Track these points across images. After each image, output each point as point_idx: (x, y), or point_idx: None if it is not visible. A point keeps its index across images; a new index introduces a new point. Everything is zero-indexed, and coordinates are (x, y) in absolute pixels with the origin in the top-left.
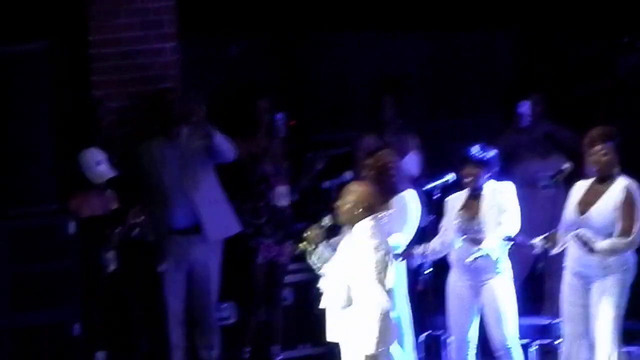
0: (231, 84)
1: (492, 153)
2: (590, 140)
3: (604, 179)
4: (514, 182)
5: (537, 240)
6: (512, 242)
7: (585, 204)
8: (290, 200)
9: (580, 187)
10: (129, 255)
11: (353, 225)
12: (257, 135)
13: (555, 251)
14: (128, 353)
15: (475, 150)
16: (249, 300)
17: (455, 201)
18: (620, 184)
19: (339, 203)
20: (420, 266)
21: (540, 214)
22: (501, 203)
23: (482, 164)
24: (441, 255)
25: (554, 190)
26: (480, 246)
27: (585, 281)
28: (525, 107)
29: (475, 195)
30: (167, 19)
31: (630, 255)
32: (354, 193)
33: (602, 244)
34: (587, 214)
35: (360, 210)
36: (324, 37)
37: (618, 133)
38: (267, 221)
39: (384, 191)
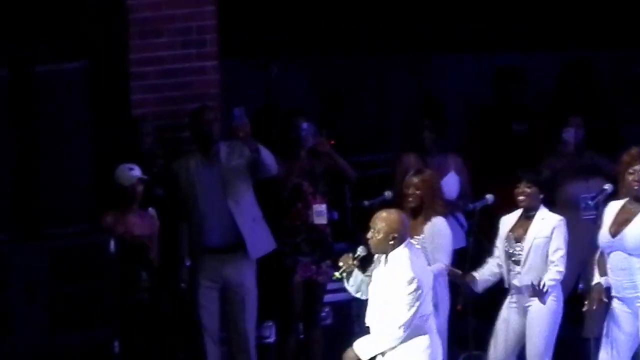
0: (271, 104)
1: (546, 174)
2: (630, 159)
3: (638, 200)
4: (557, 204)
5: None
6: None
7: (618, 224)
8: (329, 219)
9: (613, 208)
10: (164, 275)
11: (386, 254)
12: (295, 155)
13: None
14: None
15: (530, 169)
16: (288, 319)
17: (508, 222)
18: None
19: (370, 233)
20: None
21: (583, 236)
22: (553, 239)
23: (537, 183)
24: (499, 277)
25: (596, 213)
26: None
27: (632, 305)
28: (570, 134)
29: (527, 217)
30: (209, 38)
31: None
32: (384, 221)
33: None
34: (620, 235)
35: (393, 239)
36: (365, 59)
37: None
38: (305, 239)
39: (425, 211)
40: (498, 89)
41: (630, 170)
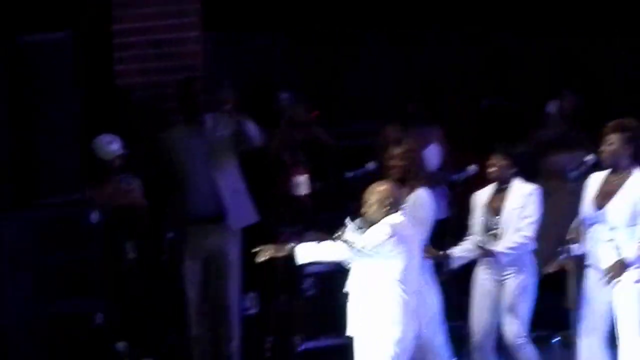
0: (253, 76)
1: (520, 147)
2: (604, 132)
3: (617, 171)
4: (542, 175)
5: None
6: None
7: (602, 197)
8: (310, 190)
9: (595, 180)
10: (149, 245)
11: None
12: (278, 127)
13: (578, 251)
14: (148, 343)
15: (503, 142)
16: (270, 290)
17: (481, 197)
18: (638, 179)
19: (364, 208)
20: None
21: (567, 205)
22: (525, 207)
23: (508, 156)
24: (474, 254)
25: (579, 184)
26: (497, 248)
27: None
28: (553, 106)
29: (500, 191)
30: (191, 9)
31: None
32: (377, 193)
33: (632, 255)
34: (604, 209)
35: (388, 207)
36: (350, 32)
37: (635, 126)
38: (286, 211)
39: (409, 182)
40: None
41: (602, 142)
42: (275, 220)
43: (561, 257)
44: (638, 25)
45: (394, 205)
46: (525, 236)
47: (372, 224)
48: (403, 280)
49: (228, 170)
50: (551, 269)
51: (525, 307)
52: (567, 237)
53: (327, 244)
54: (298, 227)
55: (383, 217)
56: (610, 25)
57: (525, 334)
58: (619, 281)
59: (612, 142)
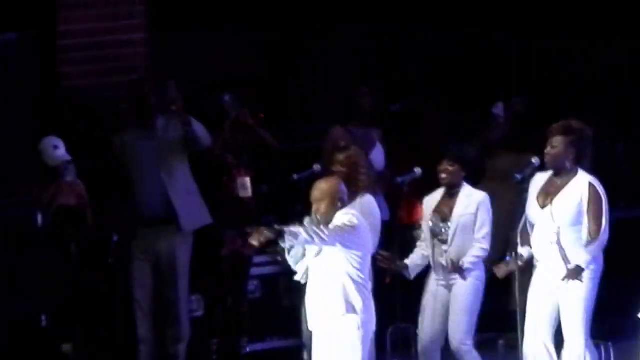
0: (197, 78)
1: (469, 151)
2: (548, 134)
3: (560, 173)
4: (487, 177)
5: (523, 249)
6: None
7: (545, 197)
8: (254, 192)
9: (540, 181)
10: (94, 246)
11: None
12: (222, 128)
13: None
14: (94, 345)
15: (454, 147)
16: (216, 292)
17: (431, 201)
18: (582, 181)
19: (315, 206)
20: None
21: (513, 207)
22: (478, 217)
23: (459, 160)
24: (428, 260)
25: (524, 186)
26: (464, 264)
27: (554, 279)
28: (499, 108)
29: (450, 195)
30: (137, 11)
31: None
32: (326, 190)
33: (583, 259)
34: (547, 208)
35: (339, 203)
36: (298, 31)
37: (578, 129)
38: (231, 213)
39: (353, 189)
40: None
41: (548, 143)
42: (220, 222)
43: (509, 259)
44: (588, 24)
45: (343, 201)
46: (484, 249)
47: (325, 221)
48: (362, 270)
49: (179, 172)
50: (502, 273)
51: (474, 311)
52: (515, 240)
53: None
54: (242, 229)
55: (335, 213)
56: (561, 25)
57: (470, 341)
58: (564, 283)
59: (556, 144)
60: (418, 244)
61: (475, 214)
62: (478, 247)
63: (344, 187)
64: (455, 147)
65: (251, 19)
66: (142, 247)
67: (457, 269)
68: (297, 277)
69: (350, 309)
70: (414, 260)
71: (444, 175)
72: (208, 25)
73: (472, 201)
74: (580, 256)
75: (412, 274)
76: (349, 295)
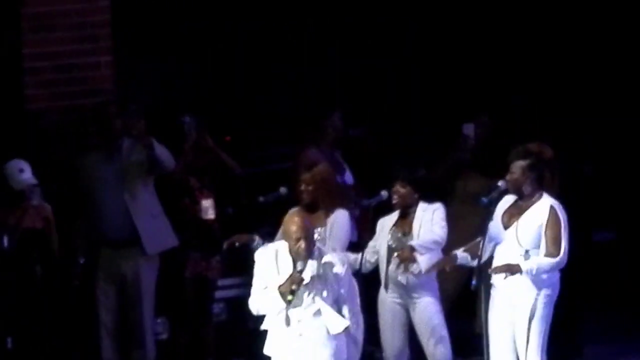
0: (160, 100)
1: (422, 173)
2: (508, 159)
3: (523, 198)
4: (455, 198)
5: (459, 251)
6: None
7: (510, 217)
8: (216, 215)
9: (506, 202)
10: (59, 269)
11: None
12: (183, 150)
13: (482, 261)
14: None
15: (405, 169)
16: (180, 315)
17: (386, 222)
18: (545, 204)
19: (294, 243)
20: None
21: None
22: (431, 219)
23: (411, 182)
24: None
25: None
26: (416, 267)
27: (511, 298)
28: (469, 129)
29: (406, 215)
30: (103, 33)
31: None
32: (302, 229)
33: (529, 264)
34: (511, 228)
35: (314, 240)
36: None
37: (536, 152)
38: (193, 235)
39: (322, 206)
40: None
41: (509, 168)
42: (183, 244)
43: (475, 284)
44: (556, 46)
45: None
46: (439, 235)
47: (304, 259)
48: None
49: (143, 195)
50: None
51: (443, 327)
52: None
53: None
54: (206, 252)
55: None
56: (527, 46)
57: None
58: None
59: (514, 170)
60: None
61: (432, 218)
62: (434, 233)
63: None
64: (406, 168)
65: (215, 41)
66: (106, 269)
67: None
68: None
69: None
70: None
71: (396, 197)
72: (171, 49)
73: (428, 212)
74: (529, 262)
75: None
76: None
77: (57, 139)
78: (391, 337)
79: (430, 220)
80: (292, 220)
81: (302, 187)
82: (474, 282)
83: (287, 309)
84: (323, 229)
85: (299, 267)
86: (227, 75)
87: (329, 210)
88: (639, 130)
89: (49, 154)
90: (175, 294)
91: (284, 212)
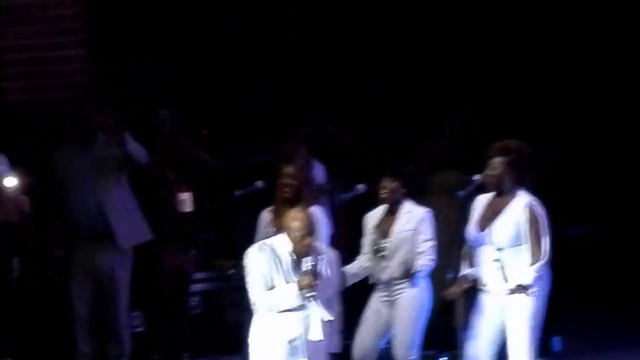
0: (136, 95)
1: (410, 168)
2: (487, 155)
3: (501, 194)
4: (433, 190)
5: (469, 269)
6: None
7: (486, 219)
8: (194, 208)
9: (481, 202)
10: (36, 262)
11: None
12: (158, 143)
13: (465, 270)
14: None
15: (393, 164)
16: (156, 308)
17: (372, 218)
18: (521, 201)
19: (300, 239)
20: None
21: (457, 222)
22: (420, 232)
23: (399, 177)
24: (369, 271)
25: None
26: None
27: (501, 300)
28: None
29: (391, 211)
30: (79, 27)
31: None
32: (306, 221)
33: (528, 277)
34: (487, 230)
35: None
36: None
37: (517, 148)
38: (171, 228)
39: (300, 201)
40: None
41: (487, 165)
42: (159, 237)
43: (451, 277)
44: (540, 42)
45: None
46: (432, 259)
47: (304, 255)
48: None
49: (116, 189)
50: (451, 295)
51: (418, 324)
52: (457, 256)
53: None
54: (182, 245)
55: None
56: (513, 42)
57: (414, 356)
58: (509, 303)
59: (495, 166)
60: (360, 256)
61: (416, 230)
62: (426, 258)
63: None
64: (393, 163)
65: (195, 35)
66: (81, 262)
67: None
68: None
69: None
70: (352, 269)
71: (383, 193)
72: (147, 43)
73: (412, 218)
74: (524, 275)
75: (349, 282)
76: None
77: (33, 132)
78: (363, 334)
79: (412, 230)
80: (295, 216)
81: (286, 180)
82: (449, 275)
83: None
84: None
85: (310, 263)
86: (207, 69)
87: (305, 207)
88: (621, 125)
89: (25, 146)
90: (152, 287)
91: (260, 206)
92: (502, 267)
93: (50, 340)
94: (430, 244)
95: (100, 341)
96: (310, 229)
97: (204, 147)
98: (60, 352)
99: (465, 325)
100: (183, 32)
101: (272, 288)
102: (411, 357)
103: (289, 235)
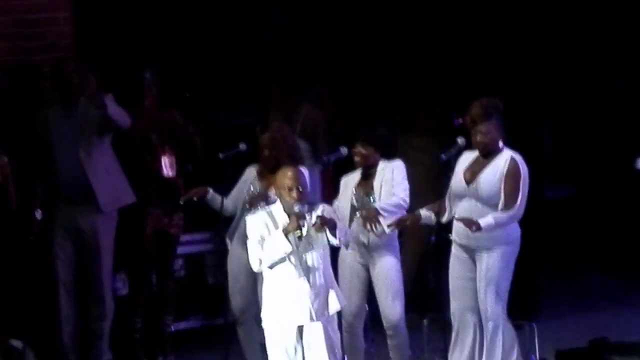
0: (120, 54)
1: (382, 132)
2: (471, 119)
3: (493, 153)
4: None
5: (423, 210)
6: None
7: (471, 173)
8: (179, 171)
9: (466, 158)
10: (19, 224)
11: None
12: (143, 106)
13: (445, 219)
14: (17, 324)
15: (366, 129)
16: (140, 271)
17: (349, 181)
18: (505, 156)
19: (297, 194)
20: None
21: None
22: (392, 178)
23: (372, 143)
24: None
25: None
26: (380, 228)
27: (471, 254)
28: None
29: (367, 175)
30: None
31: (513, 228)
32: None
33: (486, 220)
34: (473, 184)
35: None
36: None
37: (496, 107)
38: (155, 192)
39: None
40: None
41: (473, 131)
42: (144, 201)
43: (433, 239)
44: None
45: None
46: (405, 200)
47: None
48: None
49: (98, 152)
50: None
51: (400, 286)
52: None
53: None
54: (166, 208)
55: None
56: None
57: (404, 321)
58: (479, 258)
59: (487, 131)
60: None
61: (392, 177)
62: (398, 197)
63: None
64: (366, 128)
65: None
66: (64, 225)
67: (374, 215)
68: (258, 267)
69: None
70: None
71: (357, 158)
72: (132, 4)
73: (386, 170)
74: (486, 218)
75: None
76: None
77: (15, 93)
78: (349, 295)
79: (390, 180)
80: (285, 173)
81: (262, 151)
82: (432, 238)
83: (297, 247)
84: None
85: (298, 207)
86: (193, 31)
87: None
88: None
89: (7, 108)
90: (136, 249)
91: (243, 168)
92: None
93: (33, 303)
94: (404, 186)
95: (83, 303)
96: (298, 182)
97: (186, 110)
98: (43, 315)
99: (443, 286)
100: None
101: None
102: (402, 323)
103: (280, 192)
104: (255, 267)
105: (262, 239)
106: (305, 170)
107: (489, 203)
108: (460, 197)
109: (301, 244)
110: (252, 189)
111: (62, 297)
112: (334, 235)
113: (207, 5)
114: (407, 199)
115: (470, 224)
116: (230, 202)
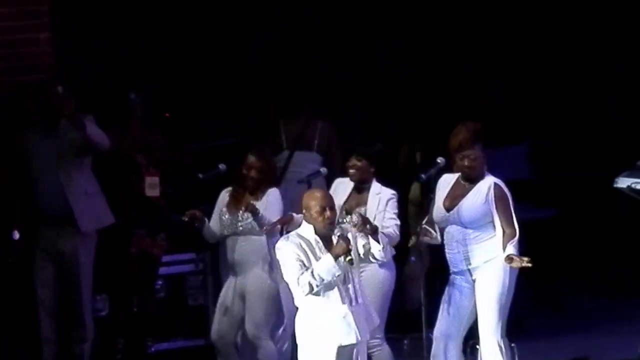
0: (104, 77)
1: (378, 147)
2: (458, 144)
3: (477, 178)
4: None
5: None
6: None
7: (451, 200)
8: (162, 192)
9: (446, 183)
10: None
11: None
12: (128, 127)
13: (433, 242)
14: None
15: (361, 142)
16: (121, 292)
17: (340, 187)
18: (488, 182)
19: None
20: None
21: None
22: (387, 211)
23: (367, 157)
24: None
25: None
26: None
27: (466, 277)
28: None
29: (360, 190)
30: (43, 10)
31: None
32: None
33: (510, 250)
34: (453, 211)
35: None
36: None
37: (480, 131)
38: (139, 212)
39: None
40: None
41: (460, 156)
42: (128, 221)
43: (414, 260)
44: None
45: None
46: (397, 233)
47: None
48: None
49: (78, 174)
50: (417, 244)
51: (386, 304)
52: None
53: None
54: (151, 228)
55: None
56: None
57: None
58: (479, 281)
59: (475, 156)
60: None
61: (384, 210)
62: (393, 227)
63: None
64: (362, 143)
65: (163, 15)
66: (44, 246)
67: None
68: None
69: None
70: None
71: (352, 171)
72: (115, 22)
73: (382, 199)
74: (508, 250)
75: None
76: None
77: None
78: None
79: (382, 211)
80: (312, 195)
81: (251, 173)
82: (412, 259)
83: (346, 270)
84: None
85: (337, 233)
86: (174, 51)
87: (266, 189)
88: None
89: None
90: (117, 270)
91: (223, 188)
92: (467, 246)
93: (14, 326)
94: (395, 222)
95: (63, 325)
96: (328, 203)
97: (173, 129)
98: (23, 336)
99: (428, 307)
100: (149, 13)
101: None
102: (379, 338)
103: (310, 214)
104: (305, 292)
105: (303, 264)
106: (277, 191)
107: (472, 226)
108: (441, 224)
109: (346, 265)
110: (224, 216)
111: (42, 319)
112: (377, 240)
113: (196, 21)
114: (398, 234)
115: (511, 260)
116: (212, 230)
